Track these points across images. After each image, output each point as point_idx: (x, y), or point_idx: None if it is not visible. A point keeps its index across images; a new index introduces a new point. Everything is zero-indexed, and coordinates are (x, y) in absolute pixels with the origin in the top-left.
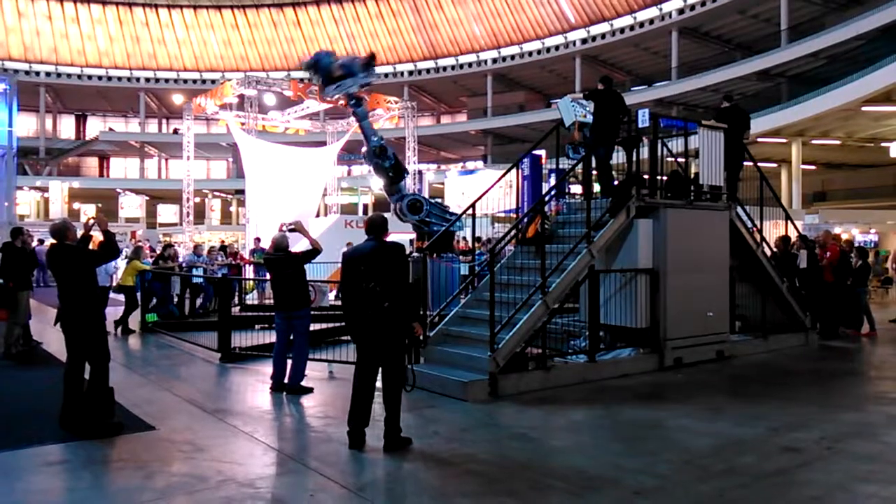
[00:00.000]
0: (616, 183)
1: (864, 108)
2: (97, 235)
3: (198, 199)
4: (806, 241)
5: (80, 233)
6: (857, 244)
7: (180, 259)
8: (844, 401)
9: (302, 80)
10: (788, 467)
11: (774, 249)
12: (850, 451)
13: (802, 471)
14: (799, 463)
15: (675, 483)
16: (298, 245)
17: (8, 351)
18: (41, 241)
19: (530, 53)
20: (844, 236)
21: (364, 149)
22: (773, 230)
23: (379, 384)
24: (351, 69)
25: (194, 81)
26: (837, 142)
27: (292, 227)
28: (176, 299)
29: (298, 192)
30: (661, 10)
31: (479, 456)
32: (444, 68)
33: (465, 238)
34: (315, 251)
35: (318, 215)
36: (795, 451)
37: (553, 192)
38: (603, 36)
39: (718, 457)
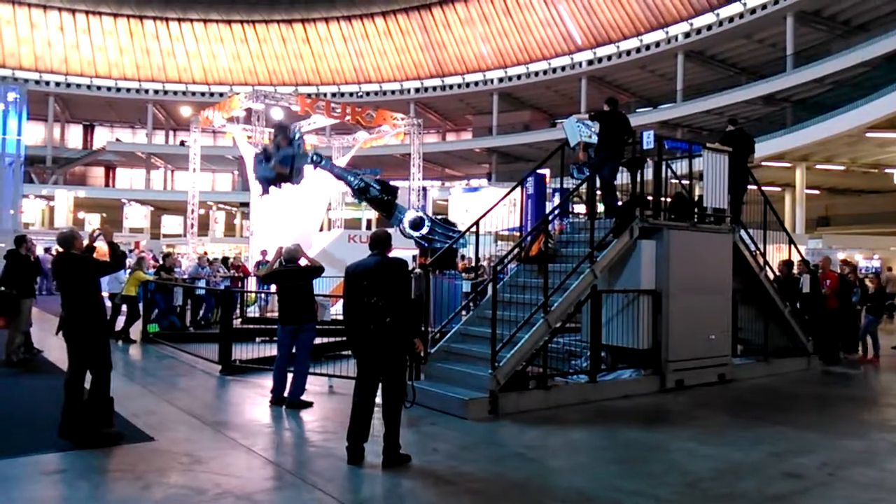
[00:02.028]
0: (620, 203)
1: (868, 135)
2: (101, 247)
3: (202, 211)
4: (808, 265)
5: (85, 243)
6: (875, 271)
7: (183, 268)
8: (847, 427)
9: (309, 95)
10: (790, 493)
11: (777, 273)
12: (851, 478)
13: (804, 497)
14: (800, 489)
15: None
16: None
17: (9, 359)
18: (47, 250)
19: (536, 73)
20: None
21: (349, 190)
22: (777, 254)
23: (379, 400)
24: (288, 152)
25: (202, 94)
26: (841, 167)
27: (291, 252)
28: (178, 310)
29: (303, 207)
30: (667, 33)
31: (478, 474)
32: (451, 86)
33: (468, 257)
34: (319, 269)
35: (321, 230)
36: (797, 476)
37: (557, 212)
38: (609, 58)
39: (719, 480)
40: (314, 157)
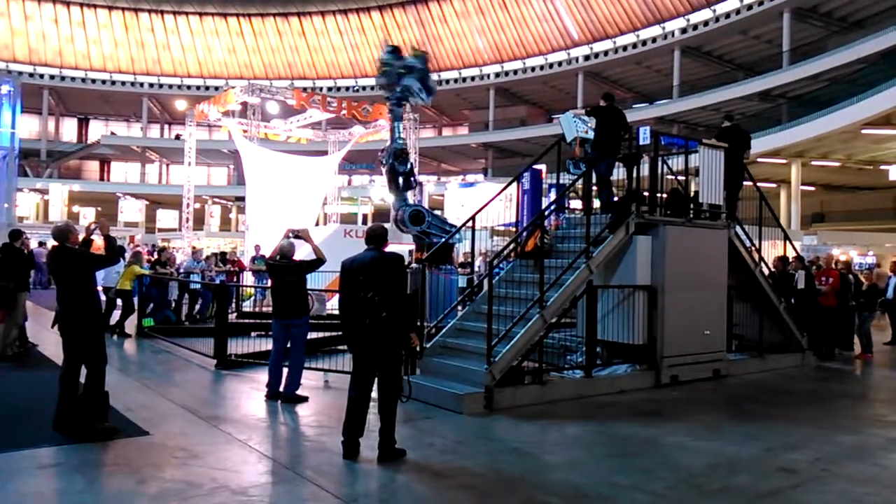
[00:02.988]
0: (616, 199)
1: (863, 131)
2: (97, 240)
3: (197, 205)
4: (803, 261)
5: (81, 236)
6: (869, 267)
7: (178, 263)
8: (840, 422)
9: (305, 89)
10: (783, 487)
11: (772, 269)
12: (845, 474)
13: (797, 492)
14: (794, 483)
15: (670, 501)
16: (299, 253)
17: (3, 353)
18: (41, 244)
19: (533, 69)
20: (843, 258)
21: (383, 149)
22: (772, 250)
23: (375, 394)
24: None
25: (198, 88)
26: (837, 163)
27: (298, 233)
28: (173, 304)
29: (299, 201)
30: (663, 28)
31: (474, 469)
32: (447, 81)
33: (465, 252)
34: (319, 261)
35: (317, 224)
36: (791, 471)
37: (553, 207)
38: (606, 53)
39: (713, 475)
40: (394, 101)
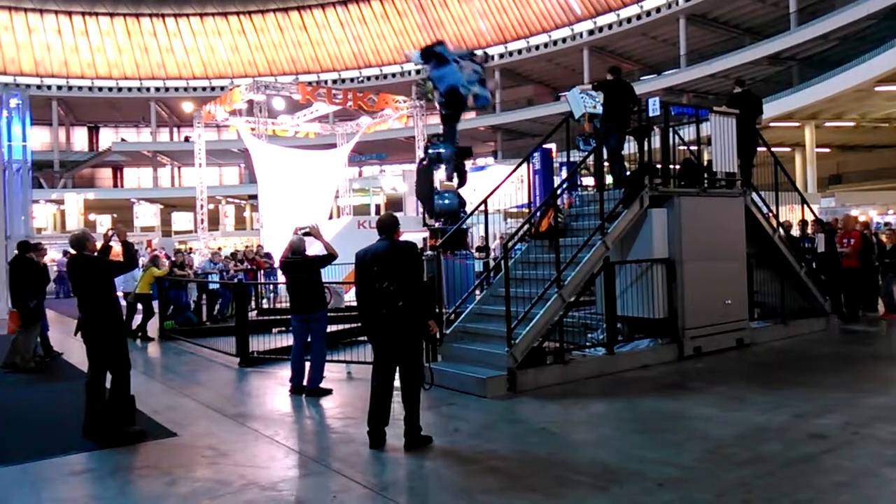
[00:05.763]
0: (628, 173)
1: (877, 89)
2: (115, 246)
3: (211, 206)
4: (822, 224)
5: (99, 244)
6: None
7: (195, 266)
8: (869, 385)
9: (310, 83)
10: (814, 453)
11: (797, 232)
12: (876, 436)
13: (829, 457)
14: (825, 449)
15: (700, 473)
16: (311, 249)
17: (26, 365)
18: (65, 253)
19: (537, 47)
20: (862, 218)
21: (435, 154)
22: (790, 215)
23: (397, 383)
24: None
25: (203, 89)
26: (851, 123)
27: (307, 230)
28: (193, 306)
29: (311, 195)
30: None
31: (501, 452)
32: None
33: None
34: (331, 256)
35: (330, 217)
36: (821, 437)
37: (565, 185)
38: (610, 26)
39: (742, 445)
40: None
